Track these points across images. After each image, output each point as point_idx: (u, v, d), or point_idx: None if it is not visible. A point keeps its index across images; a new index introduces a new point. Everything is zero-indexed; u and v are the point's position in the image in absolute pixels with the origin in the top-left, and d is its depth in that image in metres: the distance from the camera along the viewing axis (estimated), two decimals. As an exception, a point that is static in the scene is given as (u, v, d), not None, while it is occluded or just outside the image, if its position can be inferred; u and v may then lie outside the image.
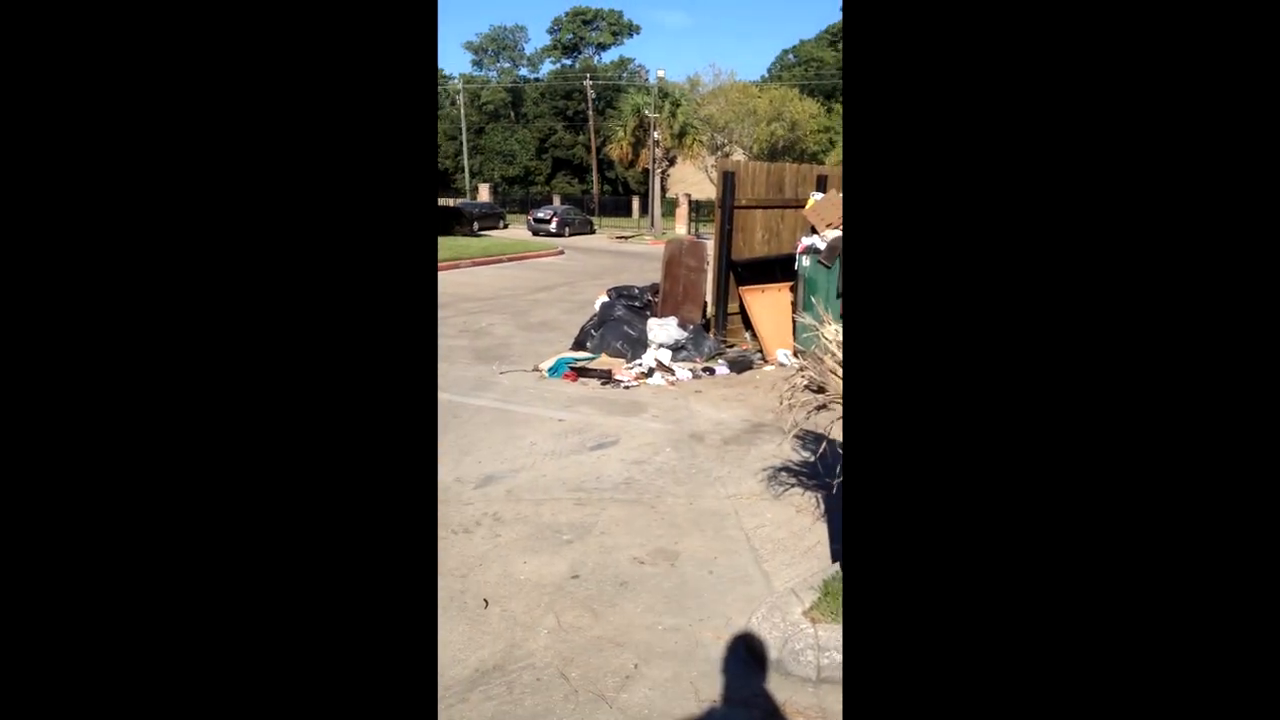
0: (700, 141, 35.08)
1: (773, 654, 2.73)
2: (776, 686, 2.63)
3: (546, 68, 54.43)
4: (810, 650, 2.69)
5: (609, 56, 53.75)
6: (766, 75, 46.19)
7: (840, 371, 3.14)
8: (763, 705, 2.53)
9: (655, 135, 33.60)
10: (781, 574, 3.37)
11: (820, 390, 3.10)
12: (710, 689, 2.60)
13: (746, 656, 2.79)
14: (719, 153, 34.80)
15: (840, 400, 3.01)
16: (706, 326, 8.20)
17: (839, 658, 2.66)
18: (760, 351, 7.80)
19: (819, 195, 7.50)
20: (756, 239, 8.24)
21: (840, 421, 3.16)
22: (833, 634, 2.73)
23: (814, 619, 2.83)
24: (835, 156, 28.77)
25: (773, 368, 7.40)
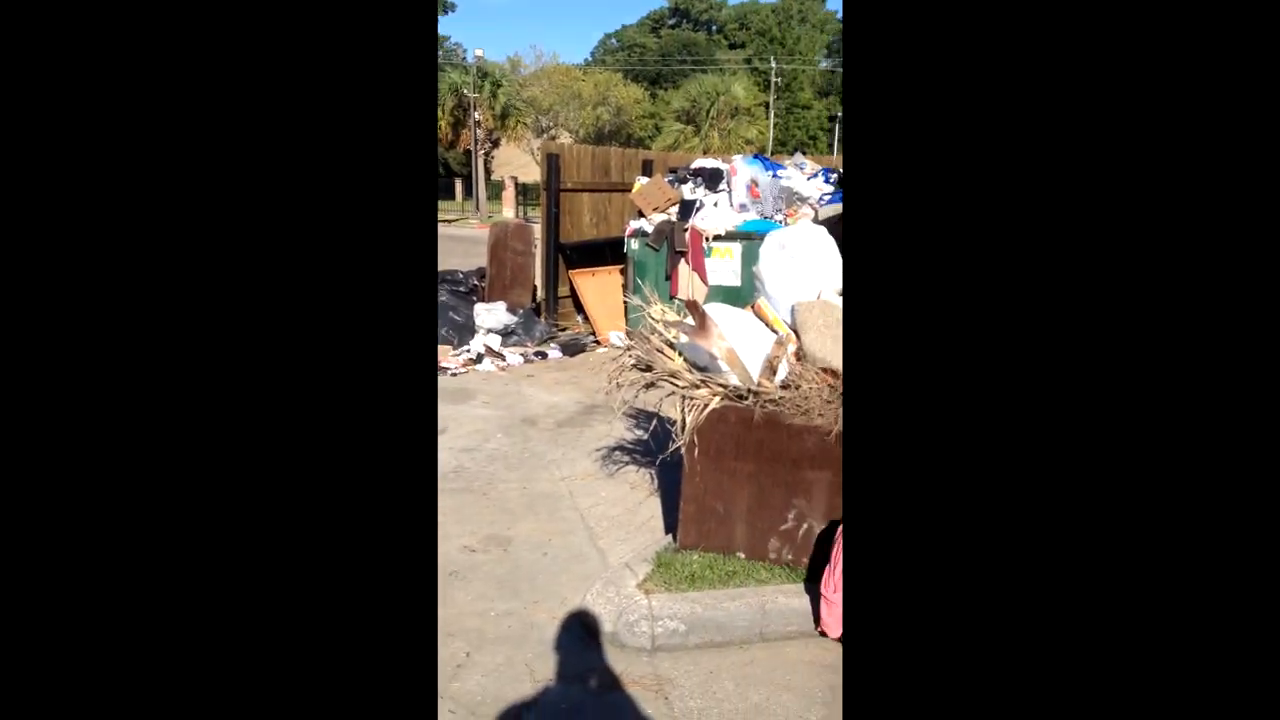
0: (524, 123, 34.62)
1: (607, 628, 2.77)
2: (613, 659, 2.67)
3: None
4: (644, 621, 2.75)
5: (426, 33, 51.62)
6: (590, 59, 46.32)
7: (668, 351, 3.22)
8: (598, 678, 2.57)
9: (476, 116, 32.80)
10: (616, 550, 3.42)
11: (648, 369, 3.16)
12: (545, 668, 2.60)
13: (582, 633, 2.81)
14: (545, 135, 34.54)
15: (669, 378, 3.09)
16: (537, 310, 8.14)
17: (673, 625, 2.74)
18: (593, 334, 7.85)
19: (644, 179, 7.62)
20: (584, 222, 8.27)
21: (670, 398, 3.25)
22: (666, 603, 2.81)
23: (647, 590, 2.90)
24: (661, 142, 29.30)
25: (606, 349, 7.47)
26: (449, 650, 2.67)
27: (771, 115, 31.66)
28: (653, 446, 4.53)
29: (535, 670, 2.58)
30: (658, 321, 3.31)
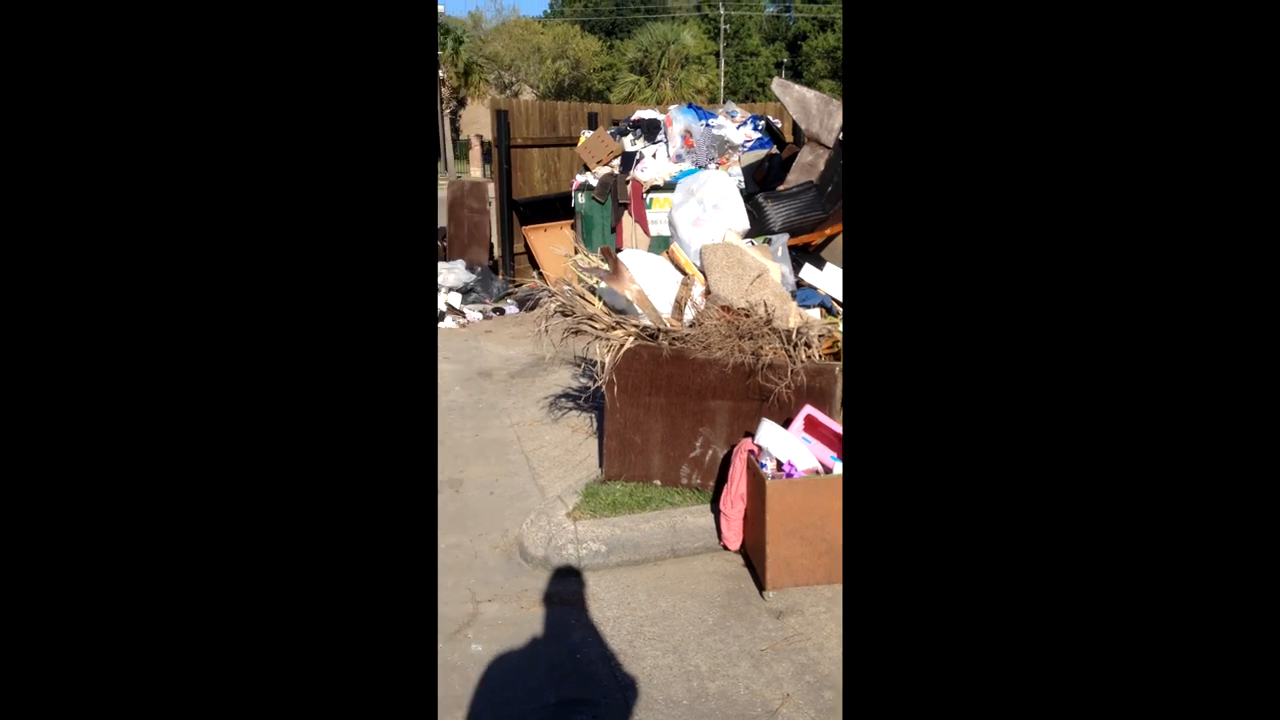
0: (486, 80, 34.19)
1: (540, 552, 3.05)
2: (542, 579, 2.95)
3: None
4: (571, 545, 3.03)
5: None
6: (549, 11, 45.39)
7: (589, 296, 3.45)
8: (530, 596, 2.85)
9: (440, 74, 32.32)
10: (554, 486, 3.69)
11: (570, 314, 3.39)
12: (485, 591, 2.88)
13: (519, 559, 3.09)
14: (507, 91, 34.13)
15: (587, 321, 3.32)
16: (495, 268, 8.32)
17: (596, 547, 3.02)
18: (548, 289, 8.03)
19: (589, 133, 7.74)
20: (536, 178, 8.40)
21: (595, 343, 3.49)
22: (590, 528, 3.09)
23: (575, 518, 3.18)
24: (617, 93, 29.03)
25: (559, 303, 7.66)
26: (396, 581, 2.95)
27: (722, 63, 31.39)
28: (595, 394, 4.80)
29: (477, 593, 2.87)
30: (580, 269, 3.54)
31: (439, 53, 31.89)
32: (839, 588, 2.73)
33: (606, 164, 6.91)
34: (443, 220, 8.88)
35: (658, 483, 3.30)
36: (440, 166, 33.63)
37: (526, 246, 8.29)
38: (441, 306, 7.38)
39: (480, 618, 2.73)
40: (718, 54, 31.37)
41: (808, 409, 2.83)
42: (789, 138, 6.54)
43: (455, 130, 35.93)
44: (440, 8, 33.41)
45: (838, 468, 2.67)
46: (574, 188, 7.27)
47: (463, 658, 2.51)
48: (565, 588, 2.89)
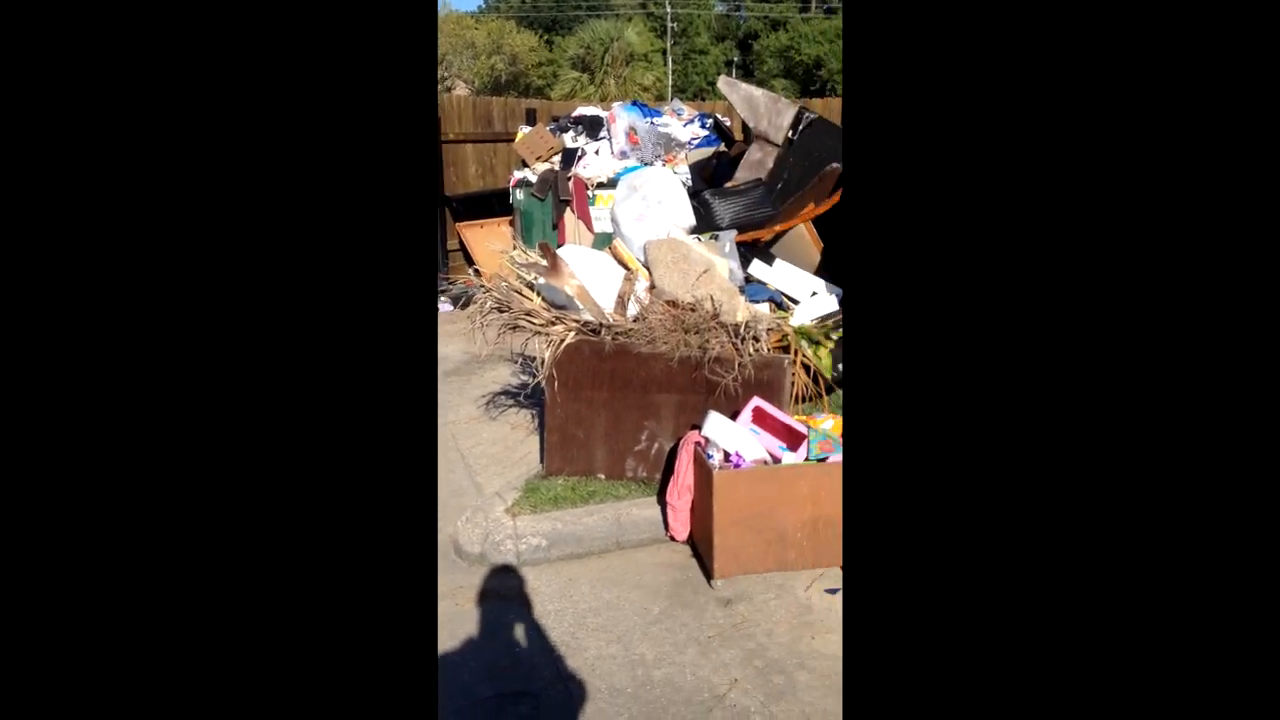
0: (419, 76, 33.51)
1: (477, 549, 2.98)
2: (479, 576, 2.89)
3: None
4: (509, 540, 2.97)
5: (311, -20, 49.15)
6: (483, 6, 44.90)
7: (527, 292, 3.39)
8: (466, 594, 2.78)
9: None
10: (493, 483, 3.61)
11: (506, 309, 3.33)
12: (420, 590, 2.80)
13: (454, 556, 3.02)
14: (439, 87, 33.53)
15: (525, 317, 3.26)
16: (427, 264, 8.13)
17: (536, 541, 2.97)
18: (484, 286, 7.91)
19: (527, 128, 7.66)
20: (470, 174, 8.26)
21: (534, 338, 3.42)
22: (530, 523, 3.04)
23: (514, 514, 3.11)
24: (559, 90, 28.86)
25: (495, 300, 7.55)
26: (328, 581, 2.84)
27: (669, 61, 31.56)
28: (534, 391, 4.73)
29: (410, 593, 2.78)
30: (517, 264, 3.48)
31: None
32: (789, 574, 2.74)
33: (547, 160, 6.84)
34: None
35: (601, 476, 3.27)
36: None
37: (461, 244, 8.15)
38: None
39: (417, 617, 2.64)
40: (665, 52, 31.42)
41: (756, 401, 2.83)
42: (738, 136, 6.58)
43: (386, 126, 35.06)
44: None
45: (787, 458, 2.69)
46: (512, 184, 7.17)
47: (399, 658, 2.42)
48: (503, 583, 2.83)
